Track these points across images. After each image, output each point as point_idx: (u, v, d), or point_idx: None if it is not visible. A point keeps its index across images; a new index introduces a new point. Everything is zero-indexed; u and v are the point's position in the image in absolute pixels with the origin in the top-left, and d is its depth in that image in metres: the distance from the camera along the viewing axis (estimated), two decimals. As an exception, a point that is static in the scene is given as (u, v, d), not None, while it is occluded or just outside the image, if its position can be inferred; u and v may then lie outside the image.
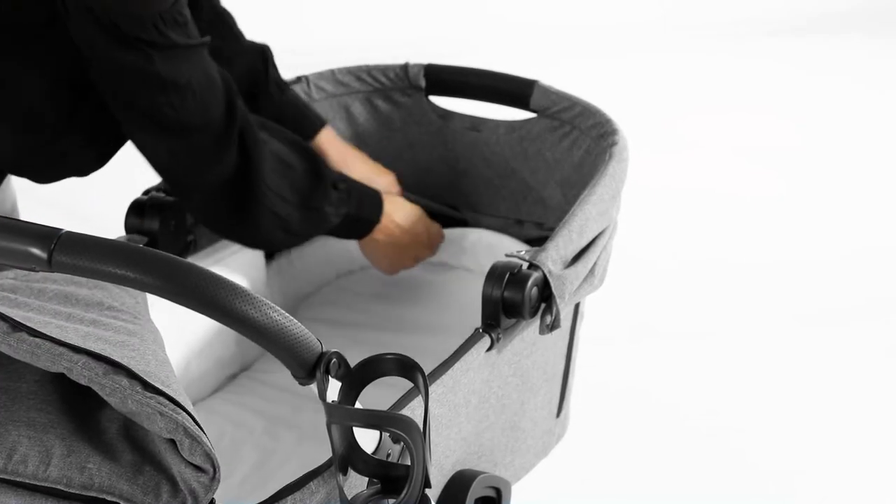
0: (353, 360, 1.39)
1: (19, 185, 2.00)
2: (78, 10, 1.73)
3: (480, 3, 5.24)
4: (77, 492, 1.33)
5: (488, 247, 2.27)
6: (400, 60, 2.31)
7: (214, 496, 1.33)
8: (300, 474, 1.44)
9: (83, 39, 1.75)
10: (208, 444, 1.31)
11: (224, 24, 2.11)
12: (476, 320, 1.76)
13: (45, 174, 1.89)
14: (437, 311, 2.24)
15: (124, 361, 1.33)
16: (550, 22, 5.18)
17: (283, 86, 2.15)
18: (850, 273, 3.29)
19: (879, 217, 3.64)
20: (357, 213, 2.03)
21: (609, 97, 2.50)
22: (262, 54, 2.13)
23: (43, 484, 1.34)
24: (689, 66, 4.85)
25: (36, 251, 1.29)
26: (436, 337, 2.06)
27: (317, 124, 2.17)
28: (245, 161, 1.86)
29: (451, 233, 2.29)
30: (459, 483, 1.74)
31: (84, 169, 1.90)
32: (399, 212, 2.11)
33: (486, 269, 1.78)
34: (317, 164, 1.98)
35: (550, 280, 1.77)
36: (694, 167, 3.95)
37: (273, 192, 1.90)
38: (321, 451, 1.44)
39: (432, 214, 2.25)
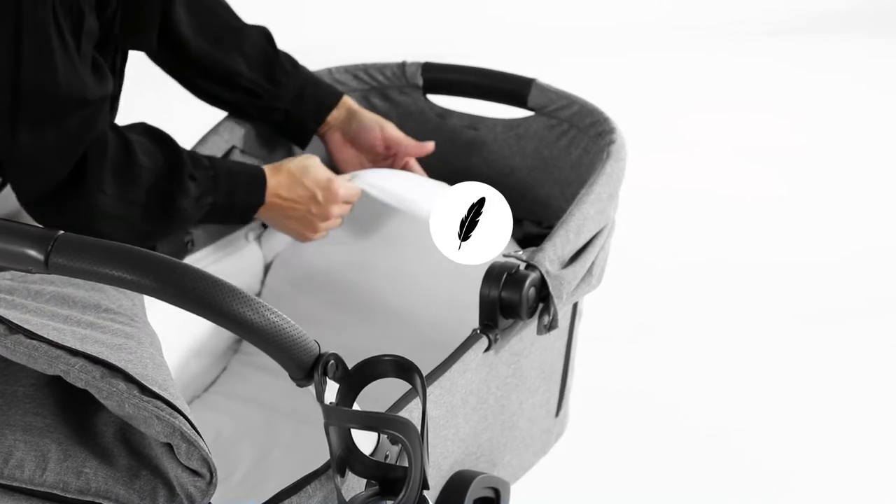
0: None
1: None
2: None
3: (480, 2, 5.24)
4: (74, 496, 1.33)
5: None
6: (397, 59, 2.31)
7: (211, 500, 1.33)
8: (300, 467, 1.44)
9: None
10: (205, 448, 1.31)
11: (220, 4, 2.13)
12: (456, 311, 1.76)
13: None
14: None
15: (121, 365, 1.33)
16: (550, 22, 5.17)
17: (295, 62, 2.18)
18: (850, 273, 3.29)
19: (879, 217, 3.64)
20: (228, 199, 1.97)
21: (608, 97, 2.50)
22: (266, 36, 2.15)
23: (39, 489, 1.33)
24: (688, 66, 4.85)
25: (33, 253, 1.29)
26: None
27: (336, 94, 2.19)
28: (81, 167, 1.82)
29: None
30: (458, 484, 1.74)
31: None
32: (283, 183, 2.02)
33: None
34: (173, 159, 1.91)
35: (548, 280, 1.76)
36: (693, 167, 3.94)
37: (117, 199, 1.85)
38: (319, 439, 1.44)
39: None
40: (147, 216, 1.88)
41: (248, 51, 2.11)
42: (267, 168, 2.01)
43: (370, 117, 2.18)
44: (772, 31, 5.17)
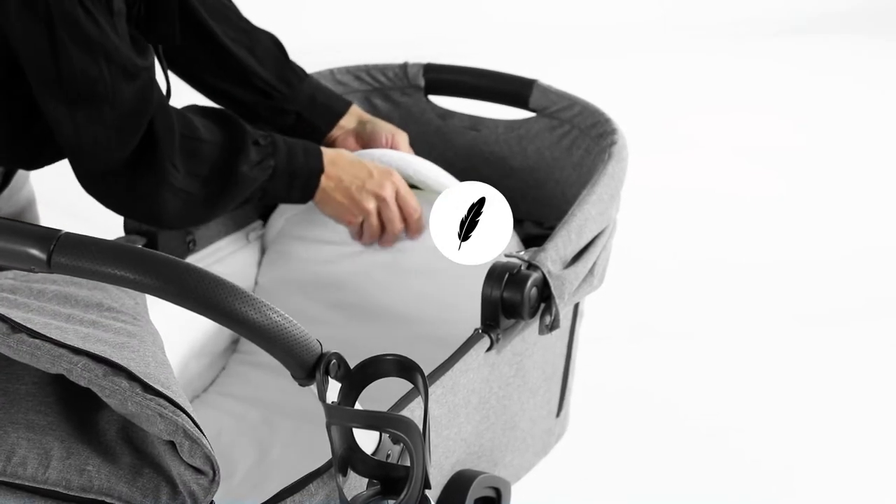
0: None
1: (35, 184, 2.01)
2: None
3: (480, 2, 5.24)
4: (76, 494, 1.33)
5: None
6: (399, 60, 2.31)
7: (214, 498, 1.33)
8: (301, 466, 1.44)
9: None
10: (208, 445, 1.31)
11: (229, 7, 2.12)
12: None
13: (25, 160, 1.89)
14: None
15: (124, 363, 1.33)
16: (550, 22, 5.18)
17: (304, 70, 2.17)
18: (851, 273, 3.29)
19: (880, 217, 3.64)
20: (289, 164, 1.96)
21: (609, 97, 2.50)
22: (276, 41, 2.14)
23: (42, 486, 1.33)
24: (689, 66, 4.85)
25: (35, 252, 1.29)
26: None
27: (346, 102, 2.18)
28: (151, 143, 1.82)
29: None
30: (459, 483, 1.74)
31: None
32: (339, 156, 2.03)
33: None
34: (234, 130, 1.93)
35: (550, 280, 1.76)
36: (694, 167, 3.95)
37: (182, 172, 1.86)
38: (319, 437, 1.44)
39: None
40: (211, 188, 1.89)
41: (261, 53, 2.11)
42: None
43: (384, 124, 2.18)
44: (772, 32, 5.18)
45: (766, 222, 3.58)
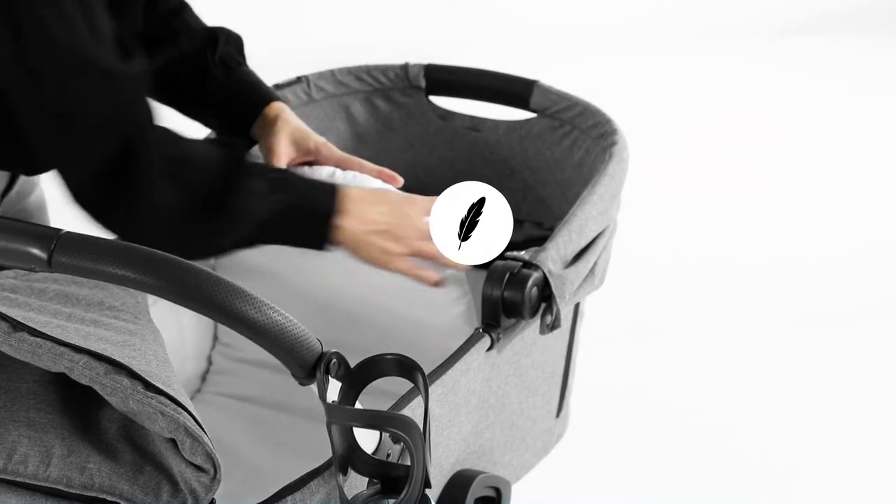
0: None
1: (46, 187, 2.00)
2: None
3: (480, 2, 5.24)
4: (77, 492, 1.33)
5: None
6: (400, 60, 2.31)
7: (215, 496, 1.34)
8: (300, 464, 1.44)
9: None
10: (209, 443, 1.31)
11: (178, 16, 2.01)
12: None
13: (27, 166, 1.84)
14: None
15: (125, 361, 1.34)
16: (551, 22, 5.18)
17: (232, 64, 2.01)
18: (852, 273, 3.29)
19: (881, 217, 3.64)
20: (303, 201, 1.74)
21: (610, 97, 2.50)
22: (210, 37, 2.00)
23: (43, 484, 1.34)
24: (689, 67, 4.85)
25: (36, 251, 1.29)
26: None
27: (267, 98, 2.00)
28: (128, 157, 1.66)
29: None
30: (459, 483, 1.74)
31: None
32: (360, 194, 1.78)
33: None
34: (235, 158, 1.77)
35: (550, 280, 1.77)
36: (695, 167, 3.95)
37: (159, 190, 1.68)
38: (316, 435, 1.44)
39: None
40: (198, 216, 1.70)
41: (185, 54, 2.00)
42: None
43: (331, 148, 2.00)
44: (772, 32, 5.18)
45: (766, 222, 3.59)
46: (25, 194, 1.92)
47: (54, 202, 2.01)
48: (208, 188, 1.70)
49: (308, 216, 1.75)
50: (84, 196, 1.69)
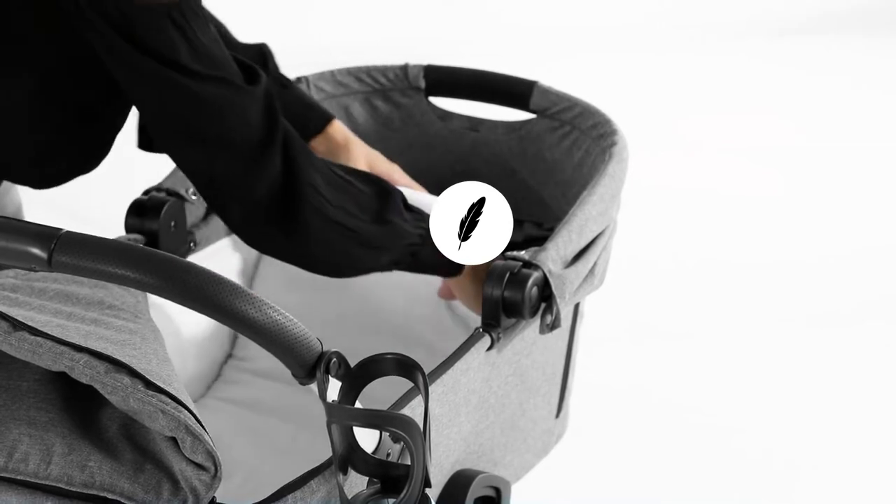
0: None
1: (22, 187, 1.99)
2: (92, 14, 1.59)
3: (480, 3, 5.24)
4: (78, 490, 1.33)
5: None
6: (398, 60, 2.31)
7: (215, 495, 1.34)
8: (299, 469, 1.44)
9: (102, 46, 1.61)
10: (210, 442, 1.31)
11: (224, 35, 1.99)
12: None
13: (32, 180, 1.83)
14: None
15: (126, 360, 1.34)
16: (550, 22, 5.18)
17: (286, 82, 2.08)
18: (852, 273, 3.29)
19: (881, 217, 3.64)
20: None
21: (609, 97, 2.50)
22: (260, 52, 2.04)
23: (44, 482, 1.34)
24: (689, 67, 4.85)
25: (36, 251, 1.29)
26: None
27: (325, 117, 2.07)
28: (290, 168, 1.70)
29: None
30: (459, 482, 1.74)
31: (66, 175, 1.81)
32: None
33: None
34: (380, 183, 1.82)
35: (550, 280, 1.77)
36: (695, 167, 3.95)
37: (332, 205, 1.73)
38: (318, 443, 1.44)
39: None
40: (374, 229, 1.77)
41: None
42: None
43: (353, 146, 2.07)
44: (772, 32, 5.18)
45: (766, 222, 3.59)
46: (2, 195, 1.92)
47: (31, 203, 2.01)
48: (368, 202, 1.77)
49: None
50: (249, 227, 1.73)
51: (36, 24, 1.66)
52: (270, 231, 1.72)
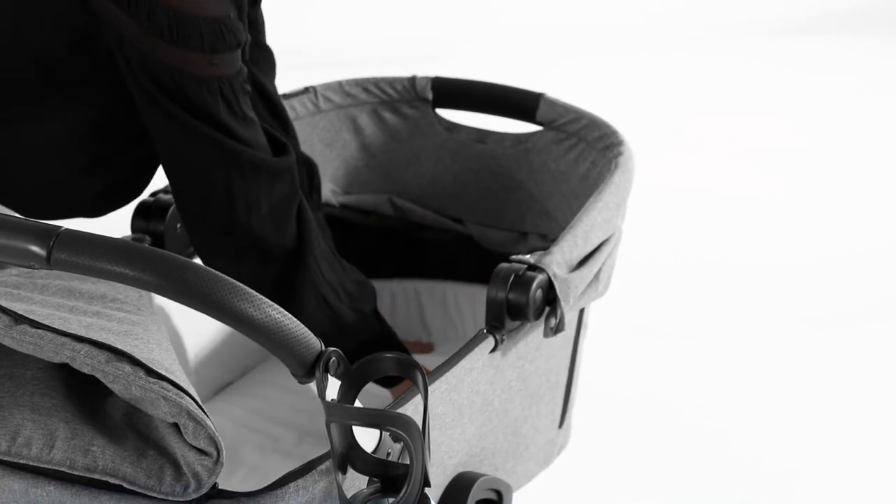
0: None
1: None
2: (142, 94, 1.71)
3: (484, 4, 5.26)
4: (81, 474, 1.34)
5: None
6: (398, 59, 2.33)
7: (217, 480, 1.34)
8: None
9: (145, 101, 1.72)
10: (212, 427, 1.31)
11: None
12: None
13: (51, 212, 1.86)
14: None
15: (127, 349, 1.34)
16: (549, 24, 5.19)
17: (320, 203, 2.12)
18: (853, 275, 3.28)
19: (882, 218, 3.64)
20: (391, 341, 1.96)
21: (610, 99, 2.51)
22: (310, 167, 2.06)
23: (47, 466, 1.35)
24: (690, 67, 4.86)
25: (35, 249, 1.29)
26: None
27: None
28: (302, 236, 1.82)
29: None
30: (461, 484, 1.74)
31: (101, 209, 1.88)
32: None
33: None
34: (357, 272, 1.94)
35: (555, 283, 1.77)
36: (696, 169, 3.95)
37: (325, 279, 1.85)
38: (321, 451, 1.45)
39: (436, 228, 2.28)
40: (351, 313, 1.89)
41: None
42: None
43: None
44: (772, 32, 5.19)
45: (768, 224, 3.58)
46: None
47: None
48: (353, 291, 1.90)
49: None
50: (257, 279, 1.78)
51: (91, 69, 1.73)
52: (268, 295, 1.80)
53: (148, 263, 1.28)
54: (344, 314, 1.87)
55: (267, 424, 2.03)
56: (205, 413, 1.32)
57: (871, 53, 5.04)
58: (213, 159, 1.72)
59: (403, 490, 1.38)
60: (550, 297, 1.78)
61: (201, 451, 1.33)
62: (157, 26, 1.65)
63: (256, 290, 1.75)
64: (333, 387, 1.37)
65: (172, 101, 1.68)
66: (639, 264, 3.13)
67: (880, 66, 4.93)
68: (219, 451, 1.32)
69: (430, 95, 2.29)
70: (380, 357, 1.40)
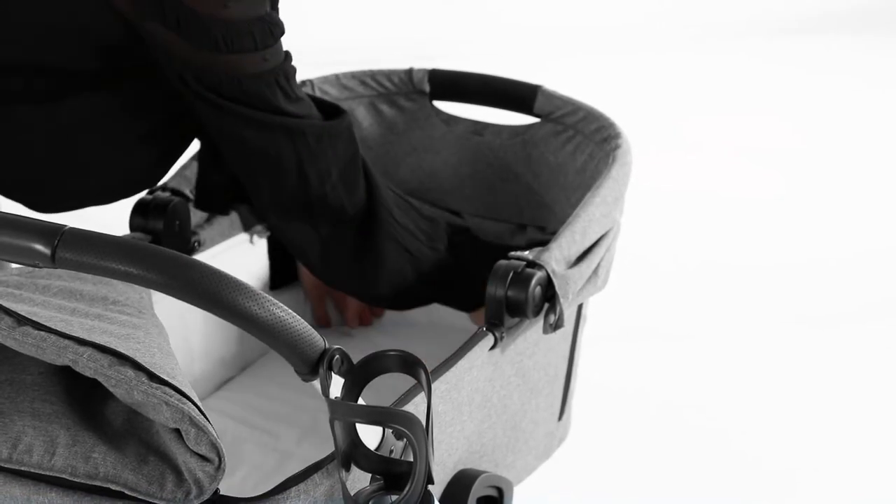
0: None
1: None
2: (199, 100, 1.75)
3: (483, 3, 5.25)
4: (82, 481, 1.33)
5: None
6: (399, 59, 2.32)
7: (219, 486, 1.34)
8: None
9: (209, 120, 1.78)
10: (214, 433, 1.31)
11: None
12: None
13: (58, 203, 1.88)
14: None
15: (130, 353, 1.34)
16: (553, 23, 5.19)
17: None
18: (853, 274, 3.29)
19: (882, 218, 3.64)
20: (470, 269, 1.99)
21: (609, 98, 2.50)
22: None
23: (48, 473, 1.34)
24: (690, 67, 4.86)
25: (39, 247, 1.29)
26: None
27: None
28: (371, 190, 1.89)
29: None
30: (462, 482, 1.74)
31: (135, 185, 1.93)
32: None
33: None
34: (425, 207, 2.01)
35: (554, 279, 1.77)
36: (696, 168, 3.95)
37: (400, 225, 1.91)
38: (323, 449, 1.45)
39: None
40: (429, 253, 1.98)
41: None
42: None
43: None
44: (772, 32, 5.19)
45: (768, 224, 3.59)
46: None
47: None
48: (426, 229, 1.98)
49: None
50: (328, 250, 1.90)
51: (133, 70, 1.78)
52: (343, 254, 1.89)
53: (152, 261, 1.28)
54: (423, 255, 1.94)
55: (268, 422, 2.03)
56: (207, 419, 1.32)
57: (871, 53, 5.04)
58: (281, 144, 1.79)
59: (407, 487, 1.38)
60: (549, 294, 1.78)
61: (203, 458, 1.32)
62: (211, 41, 1.69)
63: (336, 247, 1.89)
64: (337, 385, 1.37)
65: (234, 102, 1.74)
66: (639, 264, 3.13)
67: (880, 65, 4.94)
68: (220, 458, 1.32)
69: (427, 88, 2.29)
70: (383, 355, 1.40)
